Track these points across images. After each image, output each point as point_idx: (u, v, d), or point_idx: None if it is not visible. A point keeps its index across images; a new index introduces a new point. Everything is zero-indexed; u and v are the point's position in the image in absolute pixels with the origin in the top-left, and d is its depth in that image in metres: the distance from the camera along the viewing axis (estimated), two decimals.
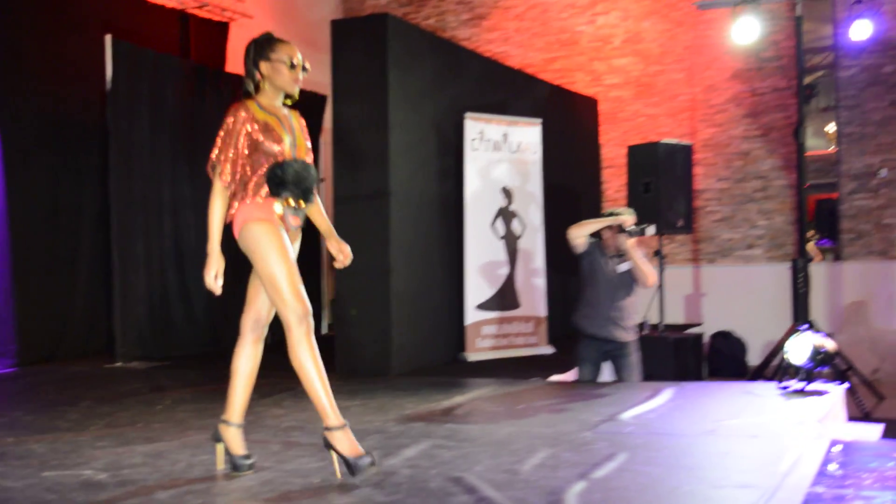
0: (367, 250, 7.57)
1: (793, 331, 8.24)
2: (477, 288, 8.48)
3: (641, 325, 9.03)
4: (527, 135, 9.06)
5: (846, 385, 6.64)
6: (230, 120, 4.18)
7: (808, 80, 10.93)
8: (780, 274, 10.39)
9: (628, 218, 6.76)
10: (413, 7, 13.94)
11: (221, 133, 4.19)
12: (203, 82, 9.88)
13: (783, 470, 4.10)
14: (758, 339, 11.05)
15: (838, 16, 11.45)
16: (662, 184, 9.11)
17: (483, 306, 8.51)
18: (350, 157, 7.79)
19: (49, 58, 8.92)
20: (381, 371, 7.46)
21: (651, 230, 6.97)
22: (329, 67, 8.00)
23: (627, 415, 5.48)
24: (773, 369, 9.00)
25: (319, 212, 4.41)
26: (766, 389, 6.33)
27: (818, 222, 12.17)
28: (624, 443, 4.72)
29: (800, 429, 5.00)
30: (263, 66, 4.28)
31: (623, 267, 6.79)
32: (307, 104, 11.18)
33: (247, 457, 4.26)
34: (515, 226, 8.89)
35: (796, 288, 9.46)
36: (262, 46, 4.32)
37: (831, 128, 12.03)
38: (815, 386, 6.10)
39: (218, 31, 11.37)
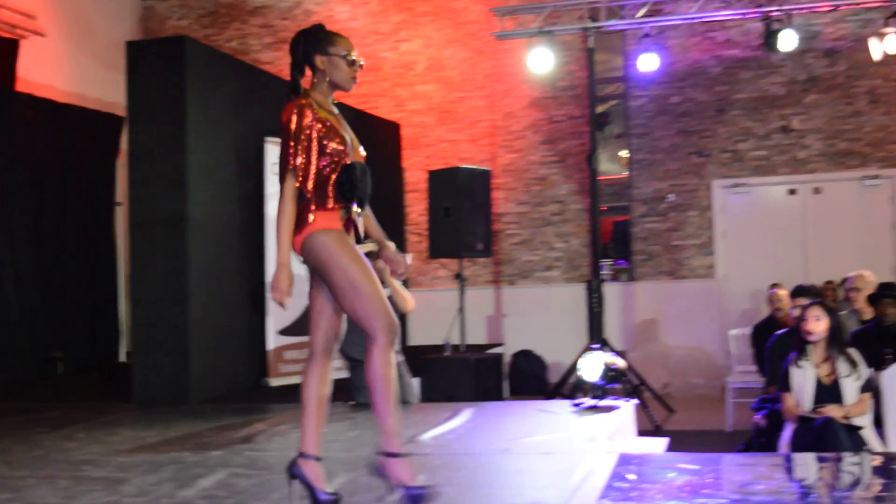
0: (164, 276, 7.43)
1: (587, 350, 8.54)
2: (279, 312, 8.39)
3: (443, 346, 9.16)
4: None
5: (636, 401, 6.92)
6: (298, 121, 3.84)
7: (601, 108, 11.45)
8: (577, 294, 10.76)
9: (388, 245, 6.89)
10: (215, 29, 13.74)
11: (292, 136, 3.84)
12: None
13: (573, 485, 4.24)
14: (557, 358, 11.38)
15: (628, 48, 12.00)
16: (463, 208, 9.27)
17: (286, 331, 8.44)
18: (146, 180, 7.60)
19: None
20: (179, 399, 7.28)
21: (409, 258, 7.15)
22: (125, 88, 7.81)
23: (426, 436, 5.55)
24: (570, 387, 9.30)
25: (371, 217, 4.16)
26: (561, 407, 6.53)
27: (615, 244, 12.68)
28: (422, 464, 4.76)
29: (590, 444, 5.19)
30: (319, 59, 4.04)
31: (385, 293, 6.90)
32: (103, 126, 10.97)
33: (334, 493, 3.90)
34: None
35: (591, 308, 9.83)
36: (318, 38, 4.06)
37: (624, 153, 12.57)
38: (607, 402, 6.32)
39: (7, 50, 10.87)
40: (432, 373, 8.80)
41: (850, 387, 5.93)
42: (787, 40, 10.24)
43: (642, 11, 10.69)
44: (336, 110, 4.11)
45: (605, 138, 12.31)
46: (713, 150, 11.94)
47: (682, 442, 6.64)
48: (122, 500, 4.05)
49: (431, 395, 8.75)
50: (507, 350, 11.49)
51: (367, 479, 4.43)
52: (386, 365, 3.82)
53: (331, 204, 3.88)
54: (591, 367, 6.48)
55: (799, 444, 5.78)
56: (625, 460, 4.87)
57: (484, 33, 12.27)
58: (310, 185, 3.84)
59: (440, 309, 10.73)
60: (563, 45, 11.70)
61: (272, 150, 8.49)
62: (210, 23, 13.81)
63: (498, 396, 9.12)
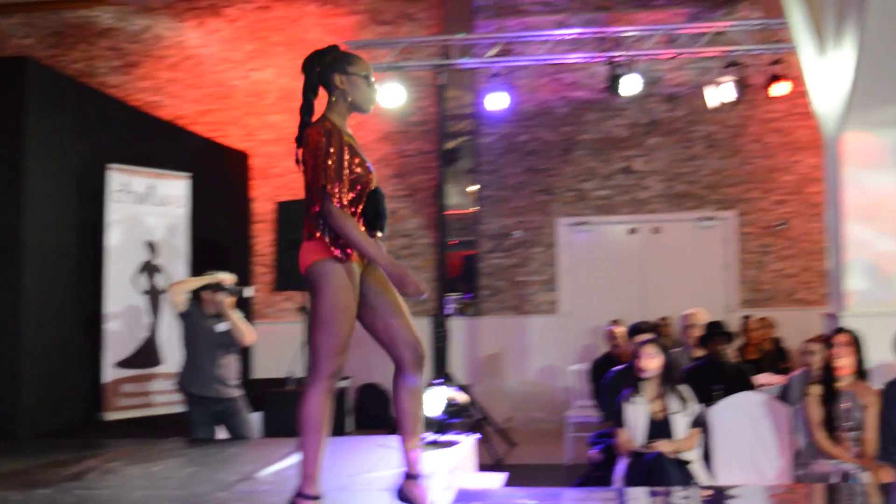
0: None
1: (429, 384, 8.59)
2: (117, 344, 8.17)
3: (286, 380, 9.07)
4: (174, 188, 8.90)
5: (478, 435, 6.99)
6: (327, 144, 3.81)
7: (451, 144, 11.60)
8: (423, 328, 10.78)
9: (227, 277, 6.90)
10: (60, 49, 13.34)
11: (323, 159, 3.80)
12: None
13: None
14: None
15: (479, 86, 12.20)
16: None
17: (123, 363, 8.21)
18: None
19: None
20: (8, 435, 6.98)
21: (250, 291, 7.15)
22: None
23: (265, 472, 5.48)
24: None
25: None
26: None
27: (463, 278, 12.80)
28: (258, 502, 4.71)
29: (429, 480, 5.20)
30: (338, 79, 3.98)
31: (222, 326, 6.88)
32: None
33: None
34: (159, 280, 8.67)
35: (436, 342, 9.90)
36: (336, 58, 3.99)
37: (473, 189, 12.75)
38: (448, 437, 6.36)
39: None
40: (274, 407, 8.68)
41: (681, 423, 6.15)
42: (631, 85, 10.60)
43: (493, 51, 10.91)
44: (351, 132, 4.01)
45: (455, 173, 12.46)
46: (559, 188, 12.24)
47: (521, 476, 6.75)
48: None
49: (273, 430, 8.64)
50: (353, 383, 11.43)
51: None
52: (317, 404, 3.90)
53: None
54: (433, 402, 6.52)
55: (631, 479, 5.96)
56: (463, 496, 4.92)
57: None
58: (346, 202, 3.84)
59: (286, 341, 10.60)
60: (415, 81, 11.83)
61: (115, 177, 8.30)
62: (55, 43, 13.40)
63: (341, 431, 9.05)
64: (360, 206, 3.93)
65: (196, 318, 6.91)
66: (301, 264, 3.93)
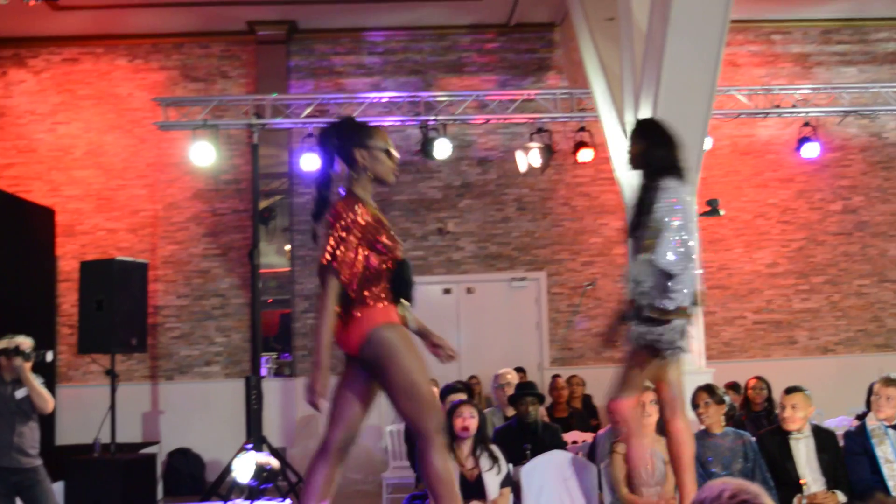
0: None
1: (242, 449, 8.43)
2: None
3: (93, 446, 8.71)
4: None
5: (289, 501, 6.88)
6: (352, 216, 3.82)
7: (266, 203, 11.52)
8: (238, 390, 10.63)
9: (24, 341, 6.63)
10: None
11: (340, 232, 3.82)
12: None
13: None
14: (216, 456, 11.10)
15: (294, 145, 12.19)
16: (117, 301, 8.94)
17: None
18: None
19: None
20: None
21: (49, 355, 6.88)
22: None
23: None
24: (227, 487, 9.10)
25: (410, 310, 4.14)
26: None
27: (281, 337, 12.63)
28: None
29: None
30: (359, 154, 3.99)
31: (20, 393, 6.59)
32: None
33: None
34: None
35: (250, 404, 9.72)
36: (355, 132, 4.03)
37: (289, 248, 12.67)
38: (261, 503, 6.25)
39: None
40: (77, 476, 8.31)
41: (492, 482, 6.22)
42: (442, 148, 10.82)
43: (307, 111, 10.95)
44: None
45: (272, 232, 12.36)
46: None
47: None
48: None
49: (76, 500, 8.26)
50: (164, 448, 11.08)
51: None
52: (444, 461, 4.04)
53: (385, 299, 3.98)
54: (244, 467, 6.39)
55: None
56: None
57: (147, 121, 12.01)
58: (356, 282, 3.91)
59: (91, 406, 10.22)
60: (229, 139, 11.73)
61: None
62: None
63: (151, 499, 8.75)
64: (388, 277, 4.06)
65: None
66: (349, 343, 4.01)
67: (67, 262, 11.91)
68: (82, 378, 11.78)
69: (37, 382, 6.61)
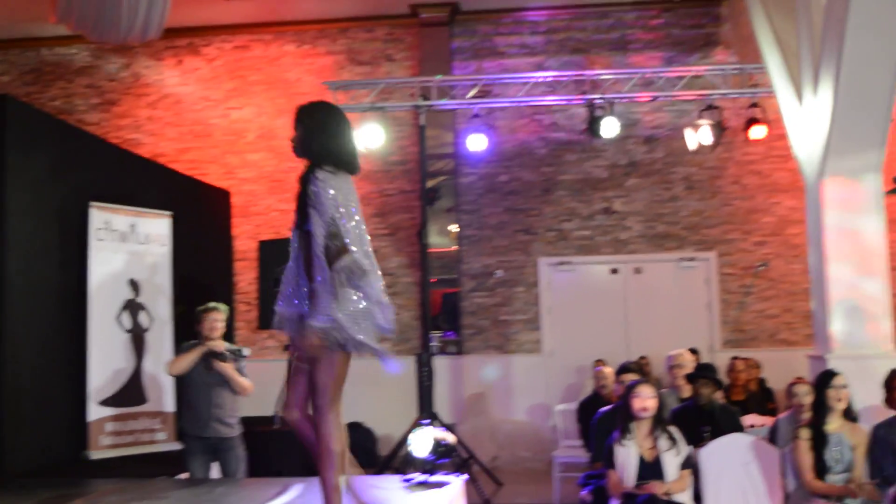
0: None
1: (417, 424, 8.54)
2: (101, 383, 8.04)
3: (272, 419, 9.00)
4: (155, 226, 8.83)
5: (466, 476, 6.92)
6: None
7: (431, 183, 11.60)
8: (407, 367, 10.80)
9: (220, 344, 7.02)
10: (38, 87, 13.29)
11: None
12: None
13: None
14: (387, 431, 11.34)
15: (459, 126, 12.27)
16: None
17: (107, 402, 8.07)
18: None
19: None
20: None
21: (246, 351, 7.18)
22: None
23: None
24: (400, 461, 9.25)
25: None
26: (391, 482, 6.46)
27: (445, 316, 12.77)
28: None
29: None
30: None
31: (229, 357, 6.93)
32: None
33: None
34: (142, 319, 8.57)
35: (421, 381, 9.85)
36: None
37: (454, 228, 12.76)
38: (437, 478, 6.30)
39: None
40: (259, 447, 8.60)
41: (672, 464, 6.13)
42: (610, 127, 10.69)
43: (472, 92, 10.98)
44: None
45: (436, 212, 12.46)
46: (539, 228, 12.28)
47: None
48: None
49: (258, 469, 8.55)
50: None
51: None
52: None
53: None
54: (421, 442, 6.46)
55: None
56: None
57: None
58: None
59: (269, 380, 10.51)
60: (395, 121, 11.88)
61: (97, 216, 8.22)
62: (33, 80, 13.36)
63: None
64: None
65: (200, 357, 6.99)
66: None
67: (243, 241, 12.33)
68: (259, 353, 12.17)
69: (235, 374, 6.98)
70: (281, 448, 7.99)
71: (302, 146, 4.34)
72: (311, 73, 12.76)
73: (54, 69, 13.36)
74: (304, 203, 4.19)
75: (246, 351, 7.17)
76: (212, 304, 7.19)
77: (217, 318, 7.09)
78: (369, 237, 4.32)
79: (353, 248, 4.10)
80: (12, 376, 7.09)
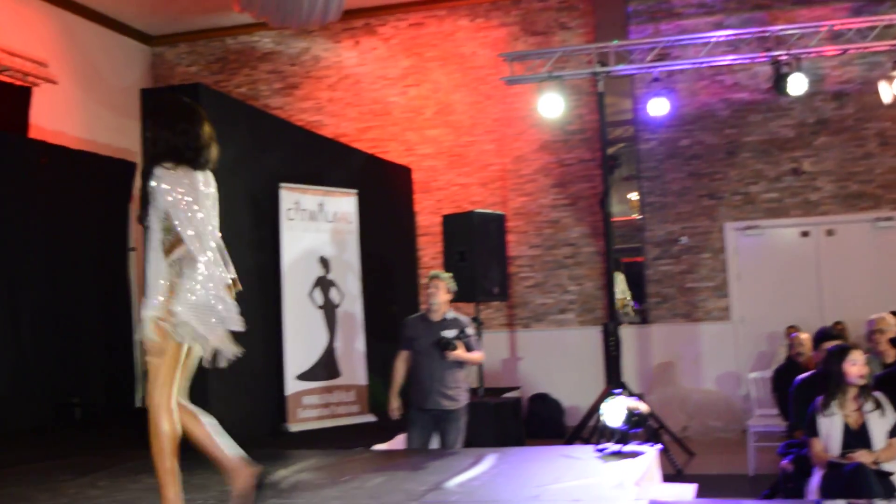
0: None
1: (607, 393, 8.46)
2: (296, 358, 8.35)
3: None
4: (342, 205, 9.06)
5: (659, 446, 6.84)
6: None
7: (610, 151, 11.43)
8: (591, 337, 10.76)
9: (448, 333, 7.14)
10: (225, 75, 13.81)
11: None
12: (4, 149, 9.43)
13: None
14: (573, 402, 11.30)
15: (637, 92, 12.05)
16: (477, 252, 9.26)
17: (303, 376, 8.38)
18: None
19: None
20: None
21: (470, 330, 7.25)
22: (137, 135, 7.79)
23: (452, 483, 5.48)
24: (589, 431, 9.21)
25: None
26: (584, 452, 6.45)
27: (631, 286, 12.62)
28: None
29: (619, 491, 5.11)
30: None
31: (448, 333, 7.00)
32: (115, 171, 10.97)
33: None
34: (334, 295, 8.83)
35: (608, 351, 9.77)
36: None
37: (634, 196, 12.57)
38: (631, 447, 6.24)
39: (20, 96, 10.91)
40: None
41: (879, 431, 5.87)
42: (797, 84, 10.27)
43: (651, 56, 10.74)
44: None
45: (615, 181, 12.30)
46: (724, 192, 11.94)
47: (705, 487, 6.55)
48: None
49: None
50: (524, 393, 11.42)
51: None
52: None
53: None
54: (614, 411, 6.41)
55: (828, 491, 5.71)
56: None
57: (492, 78, 12.33)
58: None
59: None
60: (573, 89, 11.74)
61: (287, 196, 8.50)
62: (219, 69, 13.88)
63: (519, 441, 9.03)
64: None
65: (420, 332, 7.18)
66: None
67: (425, 217, 12.51)
68: None
69: (468, 355, 7.15)
70: (473, 419, 8.06)
71: (149, 143, 4.38)
72: (485, 46, 12.77)
73: (238, 57, 13.84)
74: (144, 199, 4.22)
75: (469, 330, 7.24)
76: (433, 273, 7.38)
77: (436, 285, 7.23)
78: (219, 233, 4.41)
79: (188, 242, 4.12)
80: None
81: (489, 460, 6.21)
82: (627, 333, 11.40)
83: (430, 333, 7.11)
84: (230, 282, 4.44)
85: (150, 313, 4.16)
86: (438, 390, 7.06)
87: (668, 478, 7.16)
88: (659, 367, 11.84)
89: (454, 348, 7.06)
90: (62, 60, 11.81)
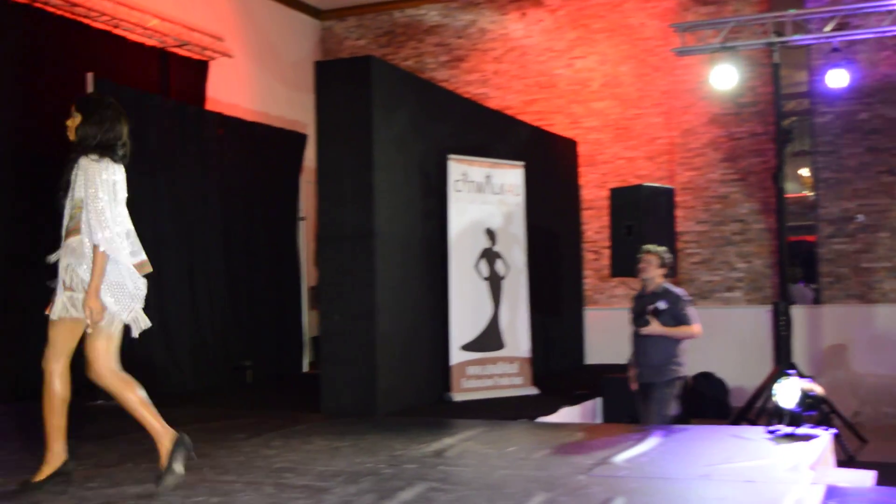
0: (351, 290, 7.54)
1: (777, 374, 8.25)
2: (461, 328, 8.43)
3: (625, 367, 9.03)
4: (509, 177, 9.07)
5: (834, 430, 6.62)
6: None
7: (783, 124, 11.05)
8: (759, 316, 10.48)
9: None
10: (392, 48, 13.99)
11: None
12: (183, 120, 9.82)
13: None
14: (738, 381, 11.04)
15: (814, 63, 11.61)
16: (645, 227, 9.12)
17: (468, 347, 8.46)
18: (334, 197, 7.74)
19: (29, 95, 8.83)
20: (366, 411, 7.36)
21: (662, 304, 7.22)
22: (308, 106, 7.98)
23: (620, 458, 5.44)
24: (757, 412, 9.00)
25: None
26: (755, 433, 6.31)
27: (802, 265, 12.24)
28: (619, 487, 4.69)
29: (793, 474, 4.98)
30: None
31: (661, 305, 7.21)
32: (287, 143, 11.29)
33: None
34: (499, 267, 8.87)
35: (778, 331, 9.50)
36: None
37: (805, 172, 12.14)
38: (804, 430, 6.07)
39: (197, 70, 11.36)
40: (613, 394, 8.71)
41: None
42: None
43: (830, 25, 10.31)
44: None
45: (786, 156, 11.90)
46: None
47: (883, 475, 6.30)
48: None
49: (613, 415, 8.66)
50: (688, 372, 11.22)
51: (567, 499, 4.38)
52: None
53: None
54: (788, 392, 6.25)
55: None
56: (833, 493, 4.67)
57: (661, 49, 12.10)
58: None
59: (616, 328, 10.56)
60: (745, 61, 11.36)
61: (455, 168, 8.56)
62: (387, 42, 14.07)
63: (683, 420, 8.88)
64: None
65: (634, 304, 7.45)
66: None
67: (589, 191, 12.42)
68: (607, 301, 12.28)
69: (666, 329, 7.19)
70: (627, 396, 7.99)
71: (74, 134, 4.78)
72: (654, 16, 12.53)
73: (405, 30, 14.00)
74: (66, 186, 4.69)
75: (681, 303, 7.26)
76: (644, 247, 7.48)
77: (647, 260, 7.36)
78: (129, 221, 4.82)
79: (85, 230, 4.54)
80: (383, 322, 7.56)
81: (656, 437, 6.15)
82: (797, 314, 11.05)
83: (640, 307, 7.29)
84: (139, 262, 4.82)
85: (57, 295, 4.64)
86: (644, 363, 7.27)
87: (840, 464, 6.92)
88: (830, 350, 11.41)
89: (645, 323, 7.11)
90: (237, 35, 12.21)
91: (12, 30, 8.84)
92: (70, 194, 4.66)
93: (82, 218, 4.57)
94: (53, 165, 8.75)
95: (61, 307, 4.58)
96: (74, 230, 4.60)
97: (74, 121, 4.79)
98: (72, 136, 4.80)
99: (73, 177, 4.67)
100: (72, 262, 4.58)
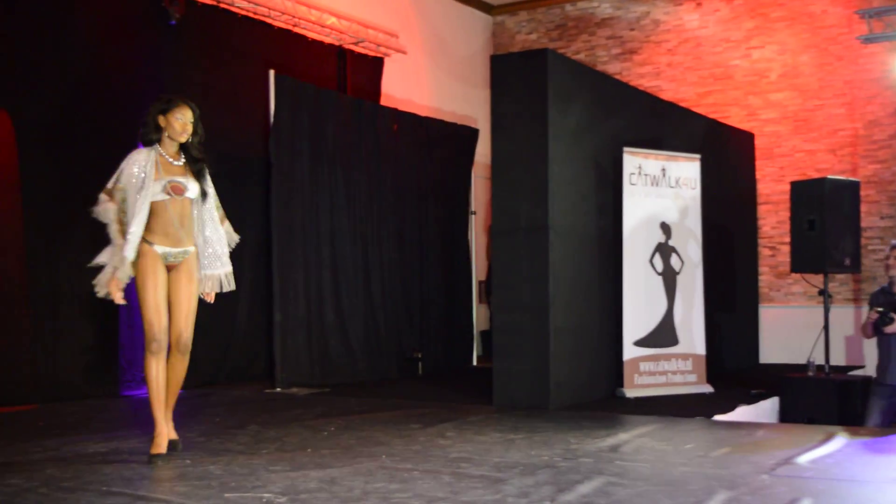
0: (525, 284, 7.57)
1: None
2: (635, 323, 8.35)
3: (806, 366, 8.78)
4: (685, 170, 8.91)
5: None
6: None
7: None
8: None
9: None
10: (563, 42, 13.95)
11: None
12: (360, 116, 10.05)
13: None
14: None
15: None
16: (828, 221, 8.81)
17: (641, 342, 8.37)
18: (509, 190, 7.78)
19: (213, 91, 9.22)
20: (539, 405, 7.38)
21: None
22: (480, 101, 8.02)
23: (803, 459, 5.29)
24: None
25: None
26: None
27: None
28: (804, 488, 4.56)
29: None
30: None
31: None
32: (460, 137, 11.42)
33: None
34: (674, 261, 8.72)
35: None
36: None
37: None
38: None
39: (373, 67, 11.60)
40: (791, 393, 8.46)
41: None
42: None
43: None
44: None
45: None
46: None
47: None
48: (506, 500, 4.14)
49: (791, 415, 8.42)
50: (867, 373, 10.78)
51: (751, 499, 4.29)
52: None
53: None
54: None
55: None
56: None
57: (844, 37, 11.65)
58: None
59: (794, 326, 10.28)
60: None
61: (630, 161, 8.47)
62: (558, 35, 14.03)
63: (863, 422, 8.56)
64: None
65: (878, 302, 7.44)
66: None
67: (766, 184, 12.08)
68: (783, 299, 11.91)
69: None
70: (815, 395, 7.78)
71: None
72: (837, 3, 12.05)
73: (577, 23, 13.92)
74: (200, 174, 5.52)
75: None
76: (894, 242, 7.53)
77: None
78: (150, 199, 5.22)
79: (101, 200, 5.23)
80: (557, 316, 7.56)
81: (840, 439, 5.94)
82: None
83: (888, 304, 7.26)
84: None
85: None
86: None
87: None
88: None
89: (888, 322, 6.96)
90: (410, 31, 12.41)
91: (199, 29, 9.25)
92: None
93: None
94: (236, 159, 9.23)
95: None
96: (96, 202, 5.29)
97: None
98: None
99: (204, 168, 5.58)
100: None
